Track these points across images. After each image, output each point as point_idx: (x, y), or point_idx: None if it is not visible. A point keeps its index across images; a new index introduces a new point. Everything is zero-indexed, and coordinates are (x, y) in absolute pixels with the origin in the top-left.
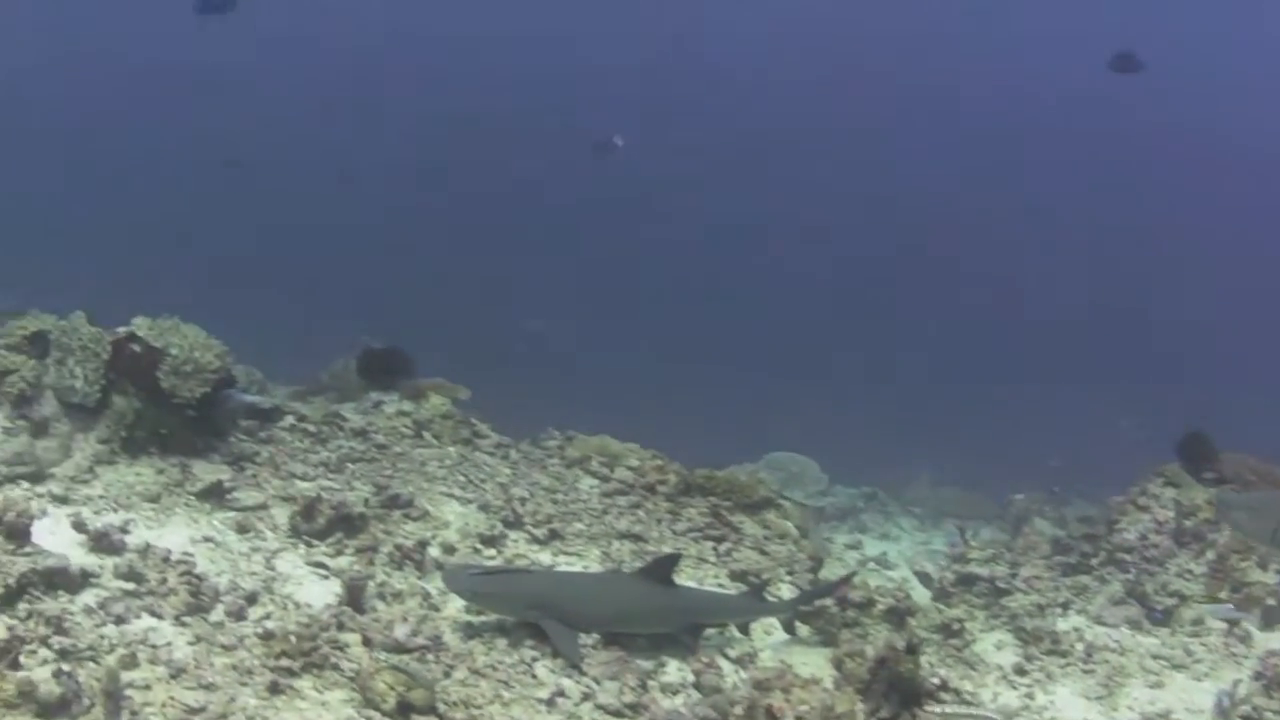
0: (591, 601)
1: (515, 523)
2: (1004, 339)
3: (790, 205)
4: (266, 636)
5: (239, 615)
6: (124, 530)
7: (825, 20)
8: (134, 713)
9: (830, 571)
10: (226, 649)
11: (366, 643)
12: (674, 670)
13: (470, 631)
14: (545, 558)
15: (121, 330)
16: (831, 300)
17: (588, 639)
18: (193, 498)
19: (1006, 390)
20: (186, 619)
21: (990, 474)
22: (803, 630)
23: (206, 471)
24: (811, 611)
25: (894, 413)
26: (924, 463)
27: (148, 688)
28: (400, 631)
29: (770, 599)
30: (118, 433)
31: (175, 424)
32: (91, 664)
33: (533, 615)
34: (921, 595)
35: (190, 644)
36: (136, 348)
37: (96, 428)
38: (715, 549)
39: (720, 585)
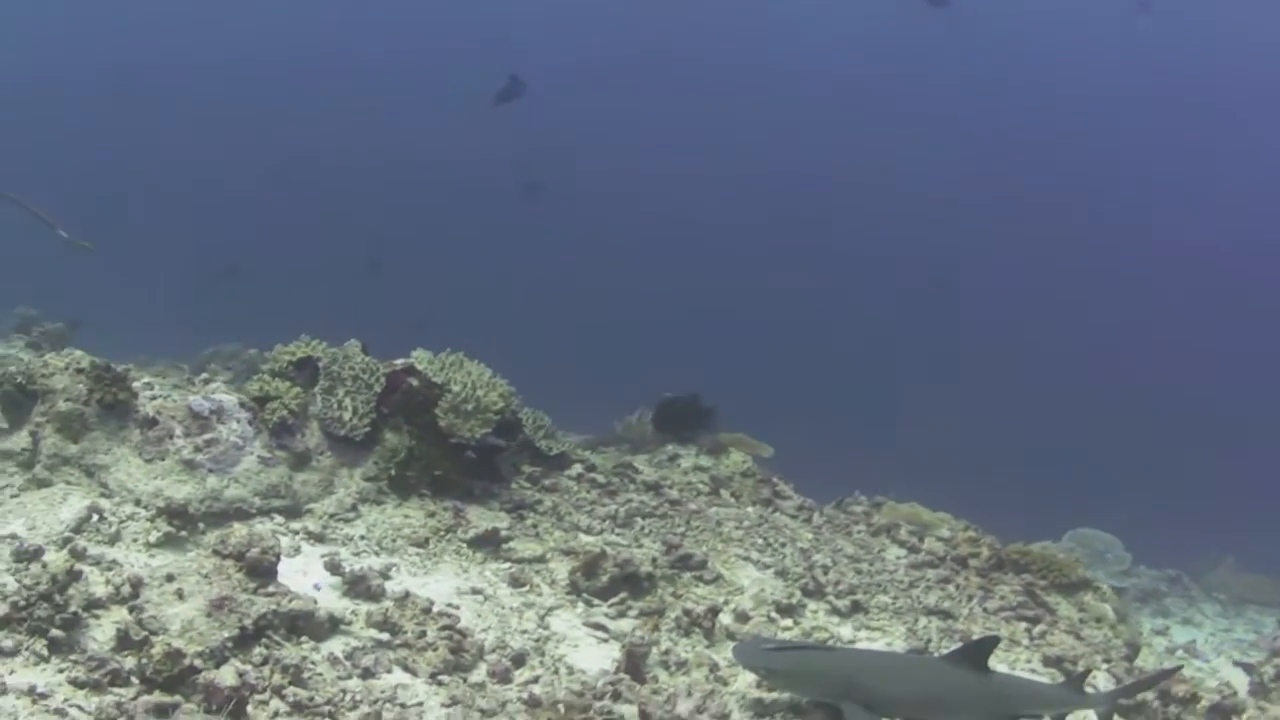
0: (898, 685)
1: (815, 592)
2: None
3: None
4: (532, 703)
5: (504, 677)
6: (384, 575)
7: None
8: None
9: (1145, 661)
10: (485, 714)
11: (644, 717)
12: None
13: (760, 710)
14: (846, 632)
15: (399, 362)
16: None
17: None
18: (464, 545)
19: None
20: (443, 678)
21: None
22: None
23: (482, 518)
24: (1130, 705)
25: (1202, 494)
26: (1228, 547)
27: None
28: (683, 707)
29: (1089, 690)
30: (386, 470)
31: (451, 465)
32: None
33: (832, 697)
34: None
35: (445, 706)
36: (414, 381)
37: (363, 464)
38: (1028, 631)
39: (1032, 671)
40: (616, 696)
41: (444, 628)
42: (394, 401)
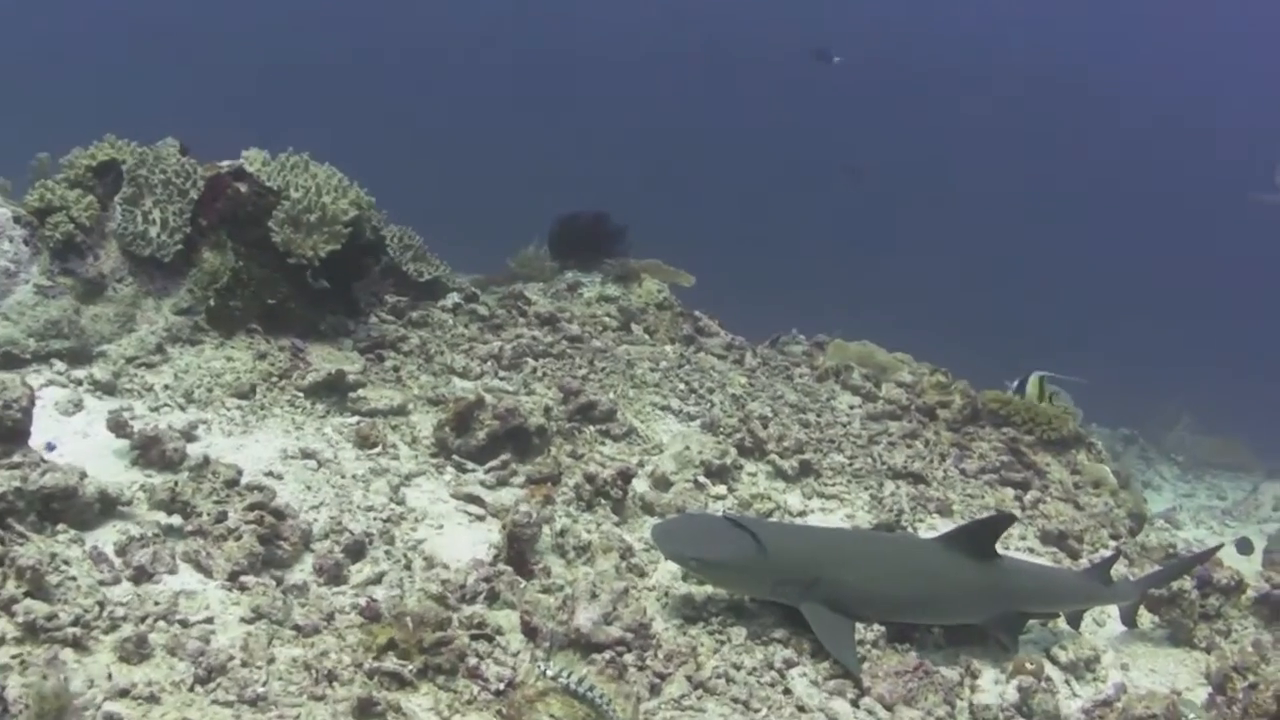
0: (876, 578)
1: (754, 449)
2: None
3: None
4: (370, 616)
5: (334, 576)
6: (187, 436)
7: None
8: None
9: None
10: (301, 635)
11: (529, 632)
12: (990, 684)
13: (691, 614)
14: (794, 501)
15: (225, 164)
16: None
17: (864, 631)
18: (300, 395)
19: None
20: (246, 579)
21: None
22: (1143, 619)
23: (328, 359)
24: (1162, 595)
25: (1152, 348)
26: (1182, 404)
27: (151, 699)
28: (584, 616)
29: (1114, 578)
30: (204, 300)
31: (289, 293)
32: (70, 653)
33: (785, 595)
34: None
35: (244, 622)
36: (242, 187)
37: (175, 293)
38: (1019, 499)
39: (1030, 551)
40: (492, 598)
41: (253, 507)
42: (216, 212)
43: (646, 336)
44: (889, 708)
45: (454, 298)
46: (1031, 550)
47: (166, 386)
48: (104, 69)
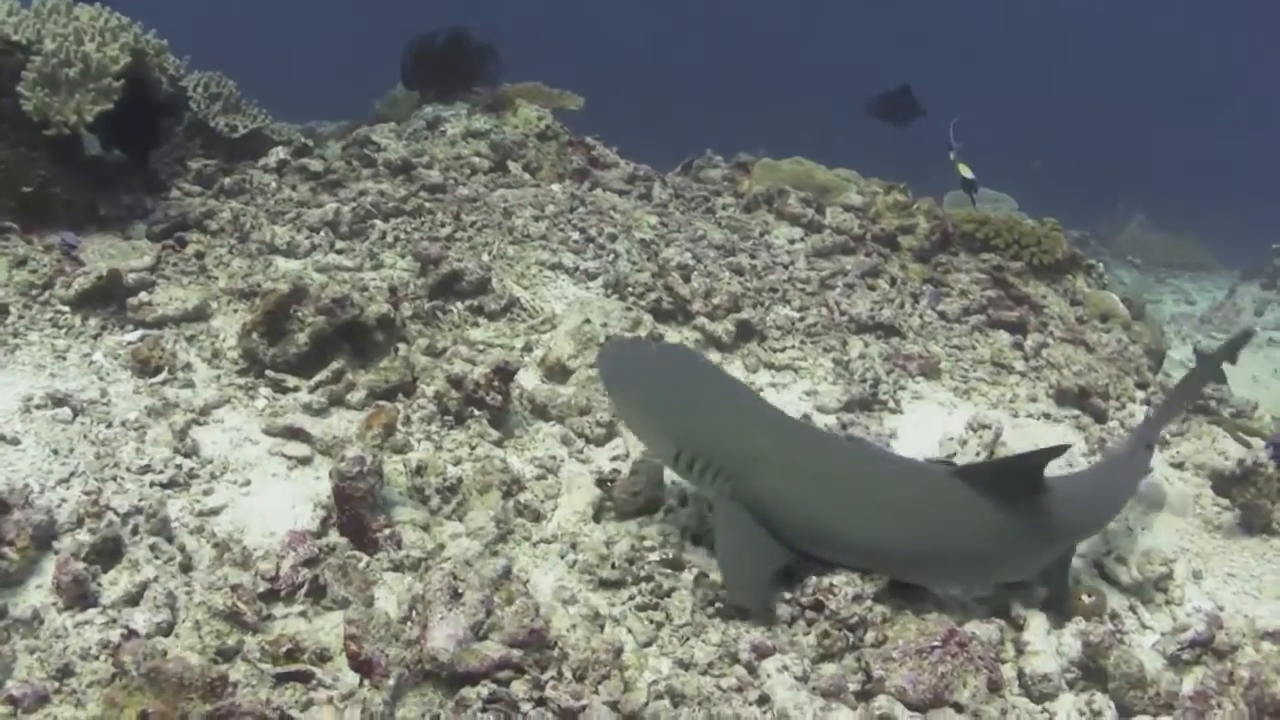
0: (881, 527)
1: (676, 311)
2: None
3: None
4: (118, 668)
5: (77, 595)
6: None
7: None
8: None
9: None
10: (19, 710)
11: (361, 667)
12: (1040, 636)
13: (612, 576)
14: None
15: None
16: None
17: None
18: (65, 310)
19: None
20: None
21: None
22: (1204, 501)
23: (107, 255)
24: (1231, 474)
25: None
26: (1131, 203)
27: None
28: (442, 633)
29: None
30: None
31: (52, 175)
32: None
33: (700, 479)
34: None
35: None
36: None
37: None
38: (1018, 345)
39: (1045, 416)
40: (318, 594)
41: None
42: None
43: (528, 176)
44: (918, 709)
45: (279, 153)
46: (1048, 416)
47: None
48: None
